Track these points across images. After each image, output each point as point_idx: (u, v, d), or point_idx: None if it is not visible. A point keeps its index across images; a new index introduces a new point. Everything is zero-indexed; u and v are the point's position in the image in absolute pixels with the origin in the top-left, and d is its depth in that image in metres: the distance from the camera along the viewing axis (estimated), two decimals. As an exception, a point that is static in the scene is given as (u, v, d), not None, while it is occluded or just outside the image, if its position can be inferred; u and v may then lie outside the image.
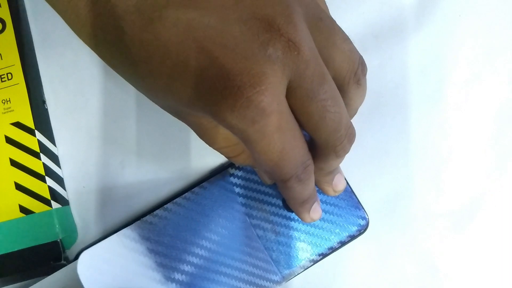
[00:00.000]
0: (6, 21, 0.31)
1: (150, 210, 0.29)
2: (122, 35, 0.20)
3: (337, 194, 0.28)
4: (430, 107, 0.32)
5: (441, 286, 0.31)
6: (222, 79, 0.19)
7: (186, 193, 0.29)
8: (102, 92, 0.32)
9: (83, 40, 0.22)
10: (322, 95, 0.21)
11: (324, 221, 0.30)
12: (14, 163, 0.29)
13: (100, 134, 0.31)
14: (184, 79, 0.20)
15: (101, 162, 0.31)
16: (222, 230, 0.29)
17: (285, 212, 0.30)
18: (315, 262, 0.29)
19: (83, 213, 0.31)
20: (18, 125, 0.30)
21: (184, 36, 0.19)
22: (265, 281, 0.29)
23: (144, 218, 0.29)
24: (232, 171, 0.30)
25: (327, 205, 0.30)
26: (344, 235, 0.30)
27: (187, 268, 0.28)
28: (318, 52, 0.21)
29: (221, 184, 0.30)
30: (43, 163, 0.29)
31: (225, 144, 0.25)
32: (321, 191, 0.28)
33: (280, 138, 0.20)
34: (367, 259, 0.31)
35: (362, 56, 0.23)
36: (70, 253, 0.30)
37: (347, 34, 0.23)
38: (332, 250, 0.30)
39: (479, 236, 0.31)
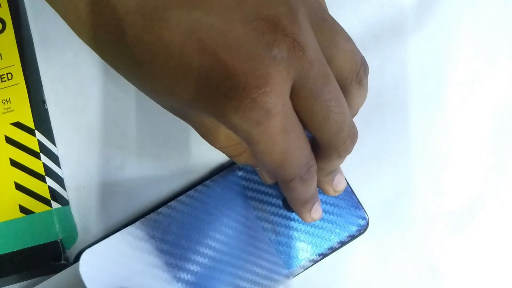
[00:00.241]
0: (6, 21, 0.31)
1: (151, 210, 0.29)
2: (124, 36, 0.20)
3: (337, 194, 0.28)
4: (430, 107, 0.32)
5: (441, 286, 0.31)
6: (227, 80, 0.19)
7: (190, 191, 0.29)
8: (102, 92, 0.32)
9: (84, 41, 0.22)
10: (326, 96, 0.21)
11: (324, 221, 0.30)
12: (14, 163, 0.29)
13: (100, 134, 0.31)
14: (187, 80, 0.20)
15: (101, 162, 0.31)
16: (228, 227, 0.29)
17: (285, 212, 0.30)
18: (315, 262, 0.29)
19: (83, 213, 0.31)
20: (18, 125, 0.30)
21: (187, 36, 0.19)
22: (274, 275, 0.29)
23: (148, 216, 0.28)
24: (239, 169, 0.30)
25: (327, 205, 0.30)
26: (344, 235, 0.30)
27: (193, 266, 0.28)
28: (321, 52, 0.21)
29: (227, 181, 0.30)
30: (43, 163, 0.29)
31: (227, 144, 0.25)
32: (321, 191, 0.28)
33: (284, 139, 0.20)
34: (367, 259, 0.31)
35: (364, 57, 0.24)
36: (70, 253, 0.30)
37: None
38: (332, 250, 0.30)
39: (479, 236, 0.31)
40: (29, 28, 0.32)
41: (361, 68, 0.23)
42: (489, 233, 0.31)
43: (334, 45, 0.22)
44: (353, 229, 0.30)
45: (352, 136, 0.23)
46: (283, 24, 0.20)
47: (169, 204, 0.29)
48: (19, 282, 0.30)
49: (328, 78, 0.21)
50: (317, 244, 0.29)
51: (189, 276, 0.28)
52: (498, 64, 0.32)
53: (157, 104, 0.23)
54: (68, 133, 0.31)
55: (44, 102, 0.31)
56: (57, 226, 0.29)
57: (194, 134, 0.30)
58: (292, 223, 0.30)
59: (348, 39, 0.23)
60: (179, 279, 0.28)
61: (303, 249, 0.29)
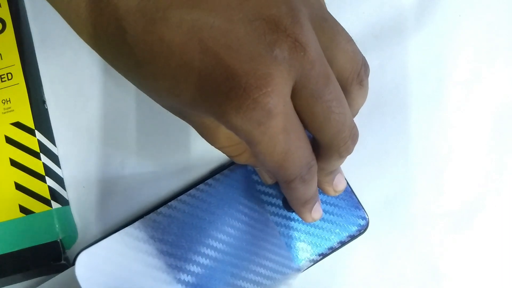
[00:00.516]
0: (6, 21, 0.31)
1: (151, 210, 0.29)
2: (125, 36, 0.20)
3: (337, 194, 0.28)
4: (430, 107, 0.32)
5: (441, 286, 0.31)
6: (227, 80, 0.19)
7: (191, 190, 0.29)
8: (102, 92, 0.32)
9: (85, 40, 0.22)
10: (327, 96, 0.21)
11: (324, 221, 0.30)
12: (14, 163, 0.29)
13: (100, 134, 0.31)
14: (188, 81, 0.20)
15: (101, 162, 0.31)
16: (228, 227, 0.29)
17: (285, 212, 0.30)
18: (315, 262, 0.29)
19: (83, 213, 0.31)
20: (18, 125, 0.30)
21: (188, 36, 0.19)
22: (278, 275, 0.28)
23: (148, 216, 0.28)
24: (239, 169, 0.30)
25: (327, 205, 0.30)
26: (344, 235, 0.30)
27: (193, 267, 0.28)
28: (322, 52, 0.21)
29: (227, 180, 0.29)
30: (43, 163, 0.29)
31: (227, 144, 0.25)
32: (321, 191, 0.28)
33: (285, 139, 0.20)
34: (367, 259, 0.31)
35: (365, 57, 0.24)
36: (70, 253, 0.30)
37: (347, 34, 0.23)
38: (332, 250, 0.30)
39: (479, 236, 0.31)
40: (29, 28, 0.32)
41: (362, 68, 0.23)
42: (489, 233, 0.31)
43: (335, 45, 0.22)
44: (353, 229, 0.30)
45: (353, 136, 0.23)
46: (285, 24, 0.20)
47: (169, 203, 0.29)
48: (19, 282, 0.30)
49: (329, 79, 0.21)
50: (317, 244, 0.29)
51: (189, 277, 0.28)
52: (498, 64, 0.32)
53: (157, 104, 0.23)
54: (68, 133, 0.31)
55: (44, 102, 0.31)
56: (57, 226, 0.29)
57: (194, 134, 0.30)
58: (292, 223, 0.30)
59: (349, 39, 0.23)
60: (179, 281, 0.27)
61: (303, 249, 0.29)
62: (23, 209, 0.29)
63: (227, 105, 0.19)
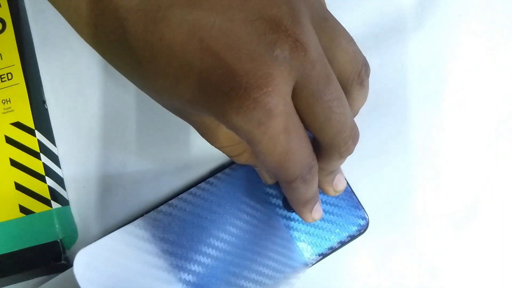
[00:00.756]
0: (6, 21, 0.31)
1: (152, 209, 0.29)
2: (126, 36, 0.20)
3: (337, 194, 0.28)
4: (430, 107, 0.32)
5: (441, 286, 0.31)
6: (228, 80, 0.19)
7: (192, 188, 0.29)
8: (102, 92, 0.32)
9: (85, 40, 0.22)
10: (328, 96, 0.21)
11: (324, 221, 0.30)
12: (14, 163, 0.29)
13: (100, 134, 0.31)
14: (189, 80, 0.20)
15: (101, 162, 0.31)
16: (231, 226, 0.29)
17: (285, 212, 0.30)
18: (315, 262, 0.29)
19: (83, 213, 0.31)
20: (18, 125, 0.30)
21: (189, 36, 0.19)
22: (279, 275, 0.28)
23: (148, 214, 0.28)
24: (238, 168, 0.30)
25: (327, 205, 0.30)
26: (344, 235, 0.30)
27: (195, 266, 0.27)
28: (323, 52, 0.21)
29: (227, 179, 0.29)
30: (43, 163, 0.29)
31: (227, 143, 0.25)
32: (321, 191, 0.28)
33: (286, 140, 0.20)
34: (367, 259, 0.31)
35: (365, 58, 0.24)
36: (70, 253, 0.30)
37: (347, 34, 0.23)
38: (332, 250, 0.30)
39: (479, 236, 0.31)
40: (29, 28, 0.32)
41: (362, 68, 0.23)
42: (489, 233, 0.31)
43: (336, 45, 0.22)
44: (353, 229, 0.30)
45: (353, 136, 0.23)
46: (285, 24, 0.20)
47: (170, 202, 0.28)
48: (19, 282, 0.30)
49: (330, 79, 0.21)
50: (317, 244, 0.29)
51: (190, 276, 0.27)
52: (498, 64, 0.32)
53: (158, 104, 0.23)
54: (68, 133, 0.31)
55: (44, 102, 0.31)
56: (57, 226, 0.29)
57: (195, 134, 0.30)
58: (292, 223, 0.30)
59: (350, 39, 0.23)
60: (180, 280, 0.27)
61: (303, 249, 0.29)
62: (23, 209, 0.29)
63: (227, 105, 0.19)
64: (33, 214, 0.29)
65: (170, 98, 0.21)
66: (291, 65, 0.20)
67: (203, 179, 0.30)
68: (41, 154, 0.29)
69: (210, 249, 0.28)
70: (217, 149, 0.26)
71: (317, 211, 0.26)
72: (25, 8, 0.32)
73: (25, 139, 0.30)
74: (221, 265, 0.28)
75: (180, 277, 0.27)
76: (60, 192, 0.30)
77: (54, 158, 0.30)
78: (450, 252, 0.31)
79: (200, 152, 0.31)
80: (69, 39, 0.32)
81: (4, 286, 0.30)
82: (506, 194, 0.31)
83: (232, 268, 0.28)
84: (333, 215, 0.30)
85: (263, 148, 0.20)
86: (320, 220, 0.29)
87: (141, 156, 0.31)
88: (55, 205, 0.29)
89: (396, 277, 0.31)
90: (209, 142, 0.25)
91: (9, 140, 0.30)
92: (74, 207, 0.31)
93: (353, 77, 0.23)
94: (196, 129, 0.25)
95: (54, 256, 0.28)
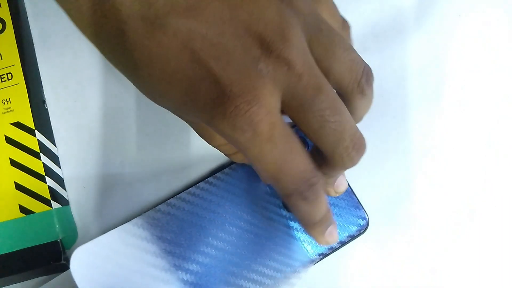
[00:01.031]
0: (6, 21, 0.31)
1: (151, 208, 0.29)
2: (125, 39, 0.21)
3: (338, 195, 0.28)
4: (430, 107, 0.32)
5: (441, 286, 0.31)
6: (215, 88, 0.20)
7: (191, 188, 0.29)
8: (102, 92, 0.32)
9: (87, 37, 0.23)
10: (318, 106, 0.21)
11: (324, 221, 0.30)
12: (14, 163, 0.29)
13: (100, 134, 0.31)
14: (181, 86, 0.21)
15: (101, 162, 0.31)
16: (229, 226, 0.29)
17: (284, 212, 0.30)
18: (315, 262, 0.29)
19: (83, 213, 0.31)
20: (18, 125, 0.30)
21: (183, 45, 0.20)
22: (279, 274, 0.28)
23: (146, 213, 0.28)
24: (238, 168, 0.30)
25: (327, 205, 0.30)
26: (344, 235, 0.30)
27: (193, 266, 0.27)
28: (317, 63, 0.21)
29: (227, 179, 0.29)
30: (43, 163, 0.29)
31: (223, 142, 0.26)
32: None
33: (273, 149, 0.20)
34: (367, 259, 0.31)
35: (367, 65, 0.23)
36: (70, 253, 0.30)
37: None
38: (332, 250, 0.30)
39: (479, 236, 0.31)
40: (29, 28, 0.32)
41: (362, 77, 0.23)
42: (489, 233, 0.31)
43: (331, 55, 0.22)
44: (353, 229, 0.30)
45: (356, 145, 0.22)
46: (269, 41, 0.20)
47: (168, 201, 0.29)
48: (19, 282, 0.30)
49: (320, 89, 0.21)
50: (317, 244, 0.29)
51: (188, 276, 0.27)
52: (498, 64, 0.32)
53: (157, 104, 0.23)
54: (68, 133, 0.31)
55: (44, 102, 0.31)
56: (57, 226, 0.29)
57: (194, 134, 0.30)
58: (292, 223, 0.30)
59: (347, 48, 0.22)
60: (178, 279, 0.27)
61: (303, 249, 0.29)
62: (23, 209, 0.29)
63: (213, 111, 0.20)
64: (33, 214, 0.29)
65: (163, 101, 0.22)
66: (275, 78, 0.20)
67: (203, 178, 0.30)
68: (41, 154, 0.30)
69: (208, 248, 0.28)
70: (216, 149, 0.26)
71: (332, 236, 0.25)
72: (25, 8, 0.32)
73: (25, 139, 0.30)
74: (220, 265, 0.28)
75: (179, 276, 0.27)
76: (60, 192, 0.30)
77: (54, 158, 0.30)
78: (450, 252, 0.31)
79: (200, 152, 0.31)
80: (69, 39, 0.32)
81: (4, 286, 0.30)
82: (506, 194, 0.31)
83: (231, 268, 0.28)
84: (333, 215, 0.30)
85: (252, 156, 0.21)
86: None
87: (141, 156, 0.31)
88: (55, 205, 0.29)
89: (396, 277, 0.31)
90: (206, 141, 0.26)
91: (9, 140, 0.30)
92: (74, 207, 0.31)
93: (351, 86, 0.23)
94: (193, 128, 0.25)
95: (54, 256, 0.29)
